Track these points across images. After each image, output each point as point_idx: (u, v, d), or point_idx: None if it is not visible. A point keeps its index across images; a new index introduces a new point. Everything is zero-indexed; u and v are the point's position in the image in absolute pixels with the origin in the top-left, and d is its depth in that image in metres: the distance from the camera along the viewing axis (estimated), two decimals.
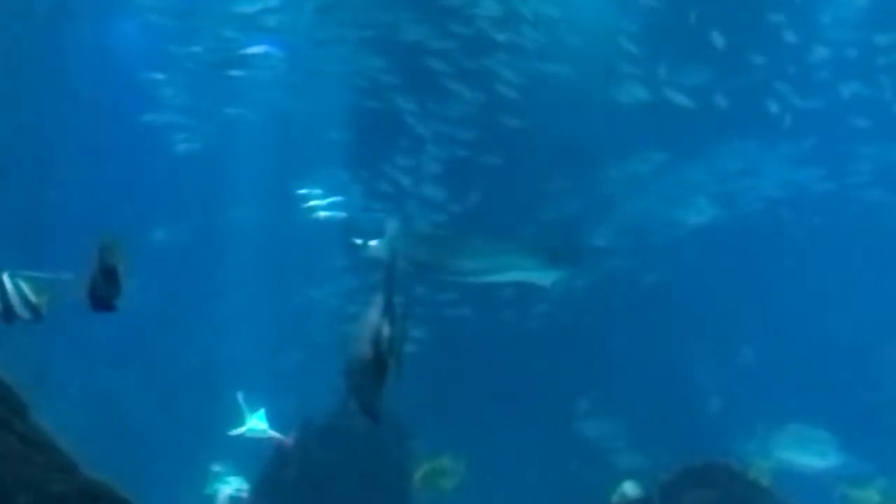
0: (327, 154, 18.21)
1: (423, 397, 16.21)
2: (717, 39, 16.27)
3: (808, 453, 15.48)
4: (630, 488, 13.12)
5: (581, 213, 17.88)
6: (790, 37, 16.63)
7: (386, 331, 5.37)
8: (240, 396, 13.78)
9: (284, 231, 18.94)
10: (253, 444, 14.11)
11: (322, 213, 17.00)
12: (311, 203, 17.20)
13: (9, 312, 8.04)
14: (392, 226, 12.93)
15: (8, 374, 5.25)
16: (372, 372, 5.38)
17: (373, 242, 12.31)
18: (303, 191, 17.31)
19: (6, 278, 8.01)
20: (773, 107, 17.11)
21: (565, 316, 18.01)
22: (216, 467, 15.58)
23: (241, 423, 13.64)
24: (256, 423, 13.48)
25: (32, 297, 8.03)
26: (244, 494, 14.94)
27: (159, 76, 19.10)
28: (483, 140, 17.13)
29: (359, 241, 12.37)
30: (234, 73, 18.83)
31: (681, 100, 16.61)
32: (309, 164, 18.36)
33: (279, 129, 19.32)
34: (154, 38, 18.86)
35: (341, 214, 17.09)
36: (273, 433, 13.75)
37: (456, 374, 17.48)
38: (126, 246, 6.61)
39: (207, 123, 19.56)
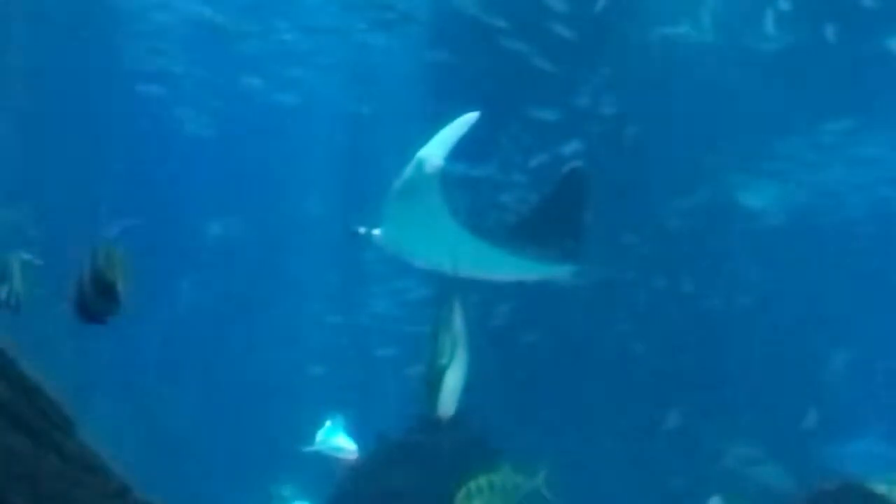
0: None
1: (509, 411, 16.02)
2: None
3: None
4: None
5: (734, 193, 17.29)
6: None
7: (444, 342, 5.87)
8: (323, 410, 13.54)
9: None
10: (319, 462, 13.85)
11: None
12: None
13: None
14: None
15: (51, 384, 5.05)
16: (429, 383, 5.95)
17: (376, 231, 12.12)
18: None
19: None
20: None
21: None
22: (282, 490, 15.40)
23: (317, 439, 13.34)
24: (337, 439, 13.17)
25: (18, 283, 7.70)
26: None
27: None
28: (623, 112, 16.58)
29: (362, 230, 12.16)
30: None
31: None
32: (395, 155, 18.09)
33: (348, 114, 19.13)
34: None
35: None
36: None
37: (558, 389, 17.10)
38: (126, 257, 6.11)
39: (254, 105, 19.38)
